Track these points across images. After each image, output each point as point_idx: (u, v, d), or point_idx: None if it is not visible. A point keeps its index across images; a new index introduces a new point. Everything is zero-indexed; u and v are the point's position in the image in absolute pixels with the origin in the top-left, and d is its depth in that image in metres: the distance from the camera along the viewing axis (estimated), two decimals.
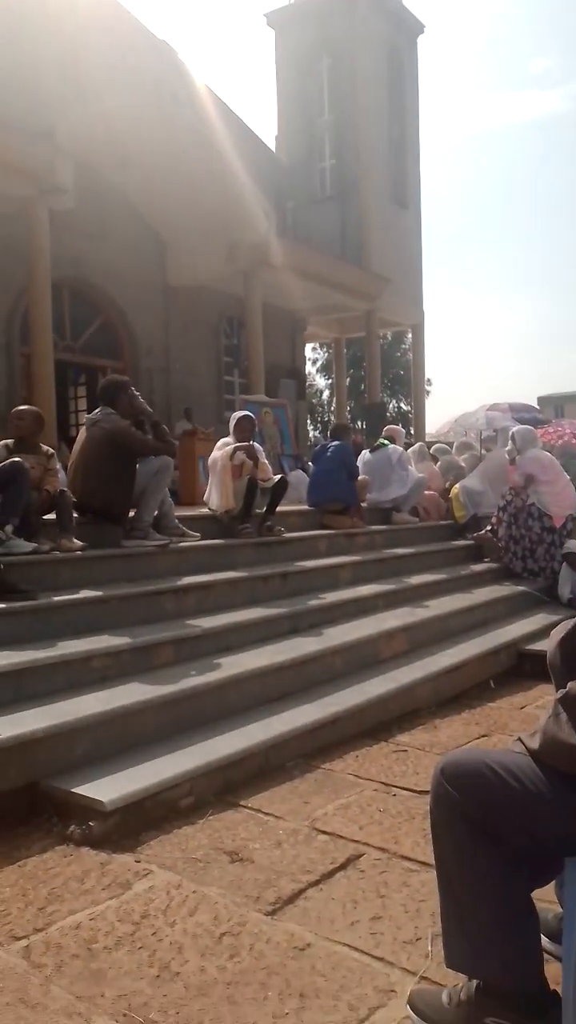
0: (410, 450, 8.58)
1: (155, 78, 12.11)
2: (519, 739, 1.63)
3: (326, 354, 31.86)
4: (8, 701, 3.16)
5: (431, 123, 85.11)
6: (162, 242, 14.97)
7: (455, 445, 9.73)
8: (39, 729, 2.89)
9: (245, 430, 6.03)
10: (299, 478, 8.26)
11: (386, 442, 7.84)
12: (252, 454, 5.85)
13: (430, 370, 34.22)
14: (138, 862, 2.54)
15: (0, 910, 2.24)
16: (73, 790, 2.79)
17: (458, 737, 3.87)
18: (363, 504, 7.15)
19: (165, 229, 14.74)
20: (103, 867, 2.50)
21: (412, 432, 20.04)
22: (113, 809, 2.70)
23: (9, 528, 4.17)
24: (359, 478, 7.12)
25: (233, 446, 5.85)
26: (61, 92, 10.97)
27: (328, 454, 7.01)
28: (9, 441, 4.73)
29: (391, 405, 31.46)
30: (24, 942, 2.09)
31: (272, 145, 19.41)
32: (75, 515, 4.64)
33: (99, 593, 4.12)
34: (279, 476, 6.17)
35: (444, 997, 1.71)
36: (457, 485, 8.03)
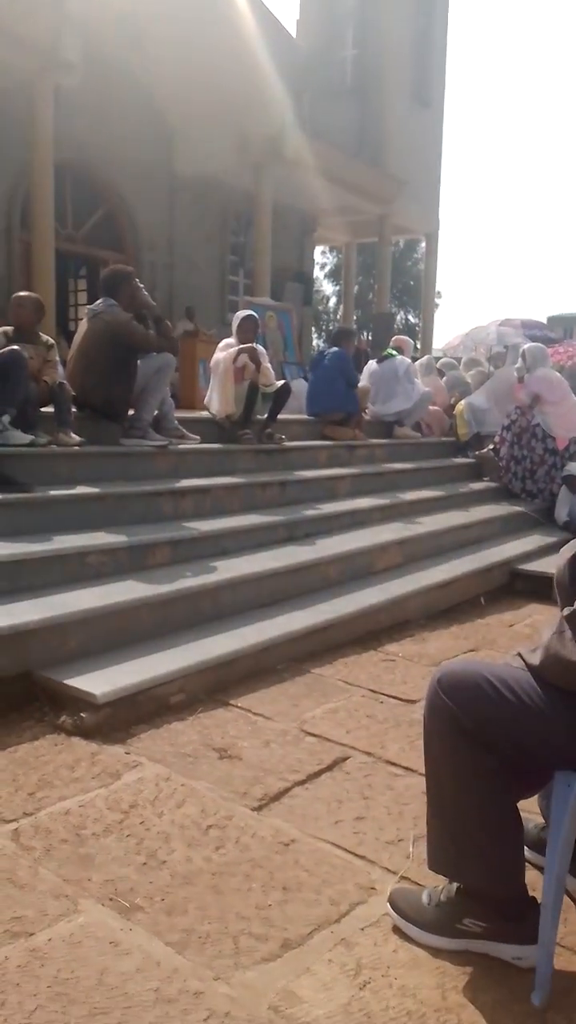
0: (417, 363, 8.41)
1: None
2: (518, 654, 1.61)
3: (335, 259, 30.94)
4: (3, 592, 3.16)
5: (460, 16, 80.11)
6: (171, 128, 14.22)
7: (463, 361, 9.54)
8: (33, 620, 2.89)
9: (248, 331, 5.86)
10: (301, 387, 8.10)
11: (394, 353, 7.66)
12: (255, 357, 5.70)
13: (440, 282, 33.28)
14: (128, 754, 2.58)
15: None
16: (66, 681, 2.81)
17: (446, 650, 3.92)
18: (365, 416, 7.04)
19: (175, 114, 13.97)
20: (93, 757, 2.54)
21: (419, 345, 19.66)
22: (105, 702, 2.73)
23: (6, 419, 4.08)
24: (359, 386, 6.96)
25: (236, 348, 5.69)
26: None
27: (325, 362, 6.84)
28: (8, 328, 4.58)
29: (399, 316, 30.77)
30: (13, 825, 2.14)
31: (292, 30, 18.26)
32: (74, 409, 4.55)
33: (96, 490, 4.08)
34: (281, 382, 6.03)
35: (424, 897, 1.76)
36: (462, 402, 7.91)
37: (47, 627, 2.95)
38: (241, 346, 5.71)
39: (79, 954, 1.65)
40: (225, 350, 5.75)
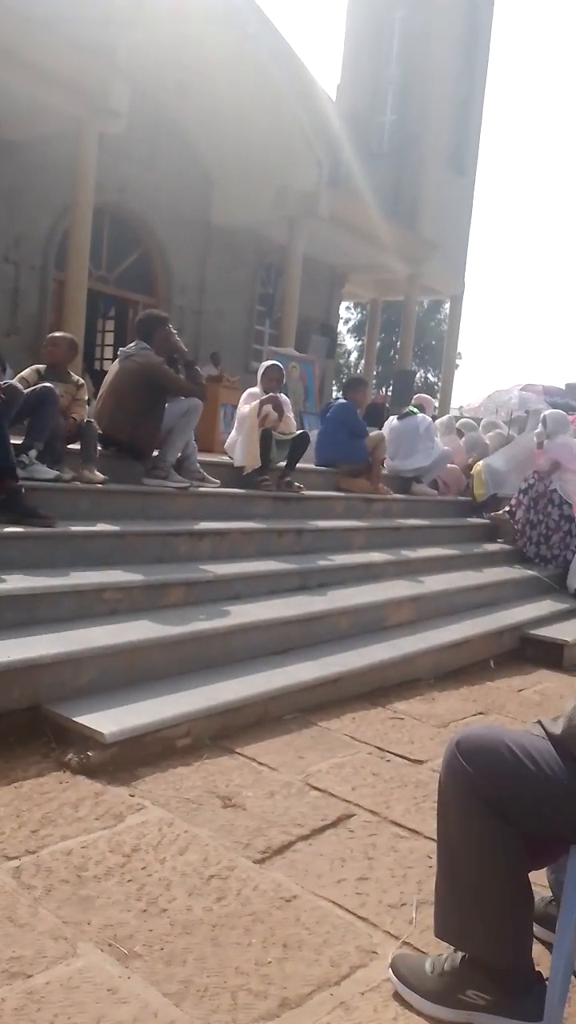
0: (437, 422, 8.49)
1: (228, 6, 11.69)
2: (539, 722, 1.61)
3: (359, 314, 31.44)
4: (19, 623, 3.18)
5: (496, 87, 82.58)
6: (210, 178, 14.64)
7: (482, 423, 9.62)
8: (47, 655, 2.91)
9: (272, 380, 5.96)
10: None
11: (415, 410, 7.75)
12: (278, 406, 5.78)
13: (461, 343, 33.71)
14: (132, 796, 2.57)
15: None
16: (75, 718, 2.81)
17: (455, 711, 3.89)
18: (384, 470, 7.08)
19: (215, 165, 14.40)
20: (98, 797, 2.53)
21: (438, 405, 19.84)
22: (112, 741, 2.72)
23: (33, 453, 4.15)
24: (371, 434, 6.99)
25: (260, 400, 5.78)
26: (127, 9, 10.60)
27: (329, 413, 6.93)
28: (41, 367, 4.69)
29: (419, 374, 31.10)
30: (15, 862, 2.12)
31: (333, 93, 18.86)
32: (99, 447, 4.62)
33: (116, 527, 4.12)
34: (300, 431, 6.11)
35: (427, 965, 1.73)
36: (480, 463, 7.96)
37: (59, 661, 2.96)
38: (264, 397, 5.81)
39: (76, 999, 1.63)
40: (249, 402, 5.84)
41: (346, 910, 2.07)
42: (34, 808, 2.42)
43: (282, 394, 6.08)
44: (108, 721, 2.82)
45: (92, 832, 2.32)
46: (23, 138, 11.25)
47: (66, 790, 2.56)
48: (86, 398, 4.79)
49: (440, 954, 1.75)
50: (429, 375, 32.45)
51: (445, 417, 9.18)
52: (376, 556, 5.61)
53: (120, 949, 1.81)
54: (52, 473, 4.18)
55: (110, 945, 1.82)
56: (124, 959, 1.78)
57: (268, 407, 5.76)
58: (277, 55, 12.83)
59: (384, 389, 25.57)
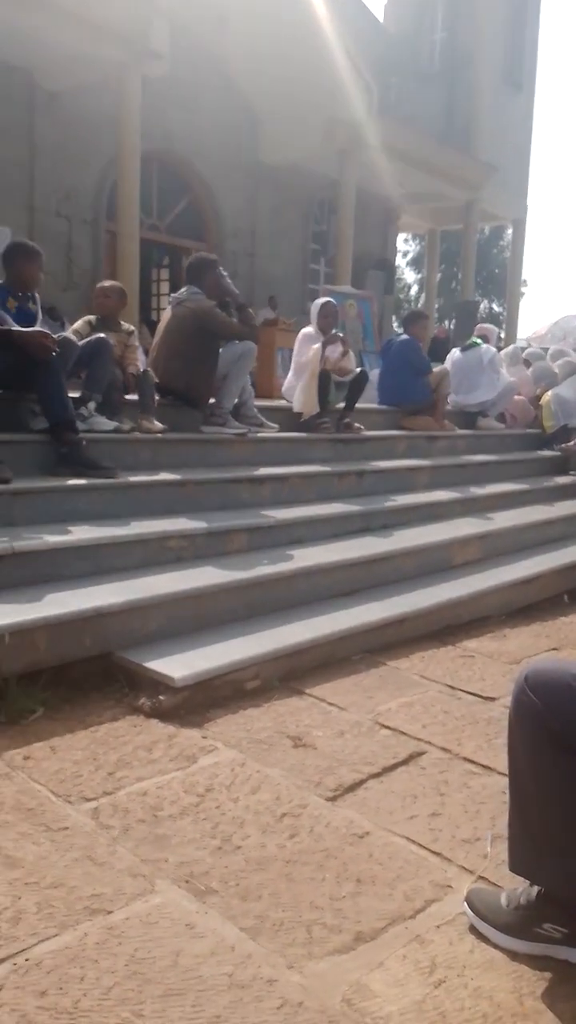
0: (502, 352, 8.21)
1: None
2: None
3: (418, 247, 30.50)
4: (86, 574, 3.23)
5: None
6: (255, 116, 14.24)
7: (550, 351, 9.27)
8: (115, 603, 2.95)
9: (328, 316, 5.83)
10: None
11: (478, 341, 7.49)
12: (341, 343, 5.68)
13: (526, 270, 32.42)
14: (204, 738, 2.61)
15: (72, 771, 2.34)
16: (145, 664, 2.86)
17: (527, 648, 3.82)
18: (447, 405, 6.90)
19: (260, 102, 13.97)
20: (170, 739, 2.58)
21: (503, 335, 19.21)
22: (183, 685, 2.76)
23: (92, 405, 4.17)
24: (436, 369, 6.80)
25: (321, 341, 5.66)
26: None
27: (392, 350, 6.72)
28: (92, 317, 4.68)
29: (483, 305, 30.13)
30: (94, 803, 2.18)
31: (380, 14, 18.00)
32: (156, 396, 4.61)
33: (177, 476, 4.13)
34: (359, 370, 5.98)
35: (503, 899, 1.71)
36: (549, 393, 7.68)
37: (128, 610, 3.00)
38: (325, 339, 5.68)
39: (155, 934, 1.67)
40: (306, 343, 5.71)
41: (419, 845, 2.07)
42: (110, 751, 2.48)
43: (337, 331, 5.94)
44: (178, 666, 2.86)
45: (166, 773, 2.36)
46: (64, 88, 11.10)
47: (140, 733, 2.61)
48: (138, 345, 4.77)
49: (515, 888, 1.73)
50: (494, 305, 31.41)
51: (510, 347, 8.86)
52: (441, 495, 5.51)
53: (196, 885, 1.85)
54: (112, 424, 4.20)
55: (186, 882, 1.86)
56: (200, 895, 1.82)
57: (331, 347, 5.66)
58: None
59: (447, 322, 24.89)
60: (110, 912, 1.74)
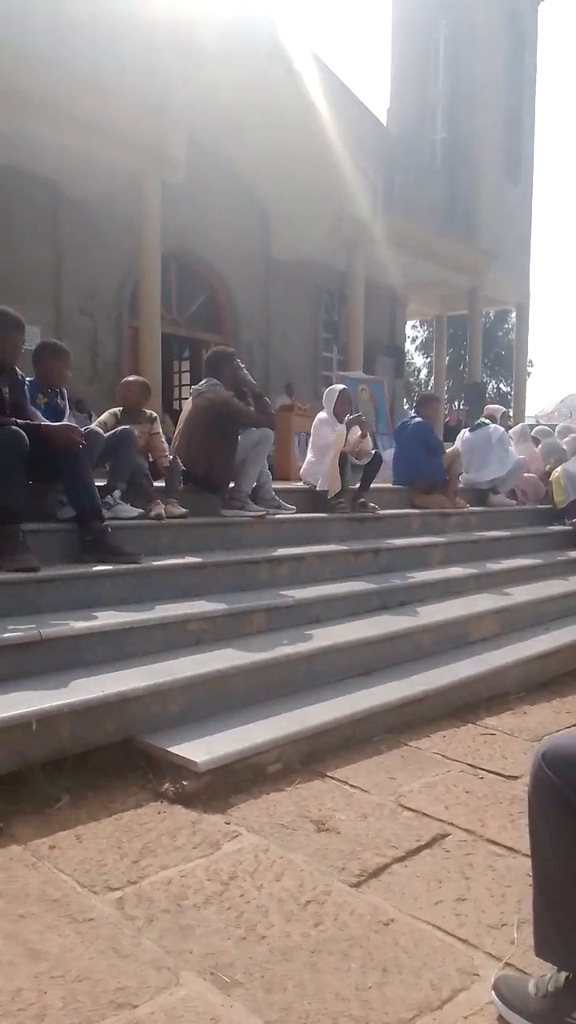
0: (511, 431, 8.37)
1: (269, 47, 12.00)
2: None
3: (426, 332, 31.29)
4: (109, 659, 3.28)
5: (547, 94, 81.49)
6: (266, 215, 14.94)
7: (557, 428, 9.42)
8: (138, 687, 2.99)
9: (344, 403, 6.01)
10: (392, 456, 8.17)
11: (487, 421, 7.66)
12: (363, 425, 5.86)
13: (532, 350, 33.08)
14: (227, 823, 2.61)
15: (97, 860, 2.34)
16: (168, 748, 2.87)
17: (548, 724, 3.79)
18: (460, 484, 7.01)
19: (270, 201, 14.70)
20: (194, 826, 2.57)
21: (512, 414, 19.49)
22: (206, 770, 2.77)
23: (116, 493, 4.31)
24: (447, 451, 6.95)
25: (346, 421, 5.84)
26: (174, 62, 10.99)
27: (406, 432, 6.90)
28: (117, 410, 4.86)
29: (491, 385, 30.68)
30: (118, 893, 2.18)
31: (383, 116, 19.02)
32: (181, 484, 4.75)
33: (198, 559, 4.22)
34: (373, 452, 6.12)
35: (531, 987, 1.69)
36: (558, 468, 7.78)
37: (150, 694, 3.03)
38: (349, 419, 5.87)
39: None
40: (324, 428, 5.87)
41: (445, 932, 2.05)
42: (134, 839, 2.48)
43: (349, 415, 6.12)
44: (200, 750, 2.87)
45: (190, 861, 2.36)
46: (88, 195, 11.74)
47: (163, 820, 2.61)
48: (161, 432, 4.94)
49: (544, 974, 1.71)
50: (501, 385, 31.97)
51: (519, 425, 9.03)
52: (456, 571, 5.54)
53: (221, 977, 1.84)
54: (135, 511, 4.33)
55: (211, 973, 1.85)
56: (225, 987, 1.80)
57: (357, 429, 5.85)
58: (324, 88, 13.06)
59: (457, 403, 25.30)
60: (135, 1006, 1.72)
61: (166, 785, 2.78)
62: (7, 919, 2.01)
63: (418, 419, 6.95)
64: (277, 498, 5.36)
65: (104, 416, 4.95)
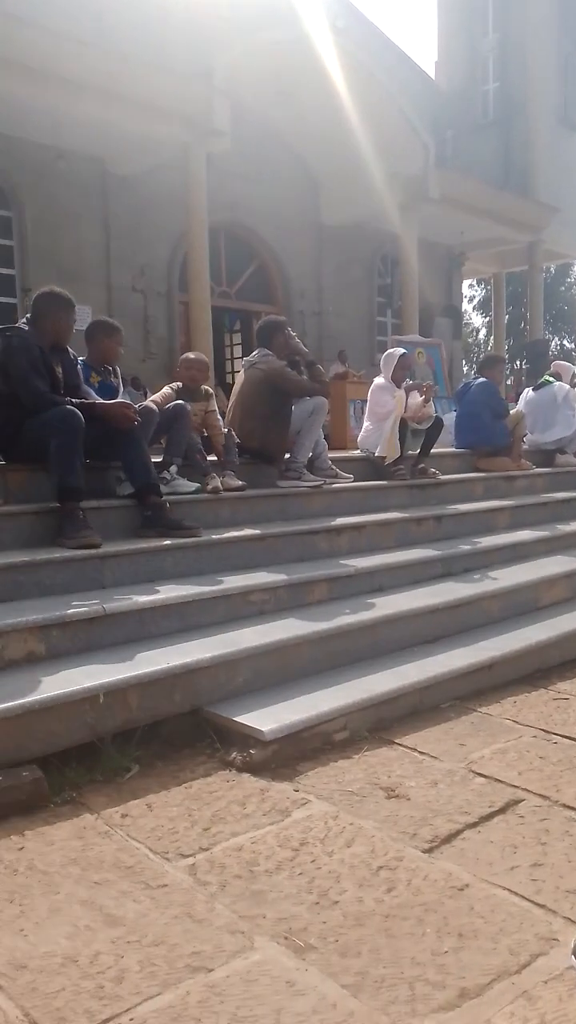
0: None
1: (315, 5, 11.71)
2: None
3: (484, 291, 30.55)
4: (174, 631, 3.31)
5: None
6: (316, 180, 14.71)
7: None
8: (203, 659, 3.00)
9: (404, 368, 5.89)
10: (452, 420, 8.00)
11: (551, 379, 7.43)
12: (426, 391, 5.74)
13: None
14: (296, 791, 2.61)
15: (169, 828, 2.37)
16: (234, 718, 2.89)
17: None
18: (523, 445, 6.83)
19: (319, 166, 14.45)
20: (263, 793, 2.58)
21: None
22: (272, 739, 2.77)
23: (173, 468, 4.32)
24: (513, 411, 6.75)
25: (405, 388, 5.73)
26: (218, 28, 10.84)
27: (469, 394, 6.71)
28: (176, 384, 4.86)
29: (553, 343, 29.81)
30: (191, 859, 2.20)
31: (431, 71, 18.47)
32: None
33: (257, 531, 4.21)
34: (434, 416, 6.00)
35: None
36: None
37: (215, 664, 3.05)
38: (409, 385, 5.76)
39: (256, 992, 1.67)
40: (381, 394, 5.76)
41: (522, 897, 2.01)
42: (204, 807, 2.50)
43: (408, 380, 6.00)
44: (266, 719, 2.87)
45: (260, 828, 2.37)
46: (135, 172, 11.74)
47: (232, 788, 2.63)
48: (215, 409, 4.91)
49: None
50: (565, 342, 31.06)
51: None
52: (523, 535, 5.42)
53: (295, 942, 1.84)
54: (193, 486, 4.33)
55: (285, 938, 1.85)
56: (299, 952, 1.80)
57: (415, 392, 5.74)
58: (370, 45, 12.74)
59: (520, 362, 24.70)
60: (211, 970, 1.74)
61: (234, 754, 2.79)
62: (84, 886, 2.05)
63: (481, 379, 6.76)
64: (334, 467, 5.31)
65: (163, 391, 4.94)
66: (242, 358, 5.42)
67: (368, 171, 13.14)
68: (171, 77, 10.03)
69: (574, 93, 18.41)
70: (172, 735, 2.96)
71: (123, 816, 2.44)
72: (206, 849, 2.25)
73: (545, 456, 7.24)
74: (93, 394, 4.19)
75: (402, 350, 6.14)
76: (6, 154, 10.71)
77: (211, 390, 5.03)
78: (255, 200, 13.53)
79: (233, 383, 5.49)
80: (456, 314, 18.39)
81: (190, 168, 10.62)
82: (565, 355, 28.59)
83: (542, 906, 1.97)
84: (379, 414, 5.74)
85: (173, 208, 11.36)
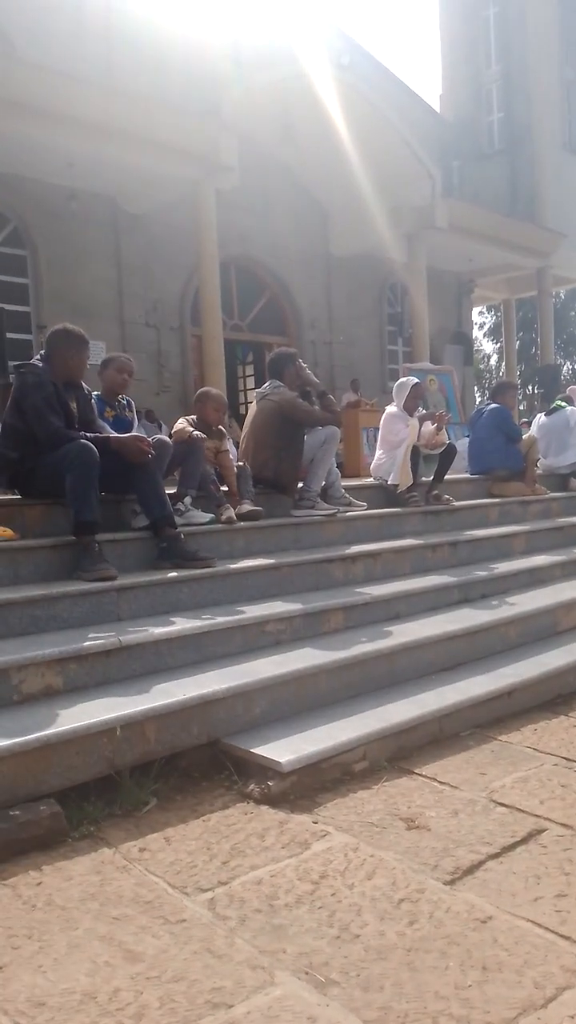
0: None
1: (320, 42, 11.97)
2: None
3: (494, 317, 30.70)
4: (191, 663, 3.31)
5: None
6: (324, 212, 14.93)
7: None
8: (219, 690, 3.00)
9: (416, 397, 5.92)
10: (465, 446, 8.00)
11: (563, 404, 7.44)
12: (437, 420, 5.76)
13: None
14: (315, 823, 2.58)
15: (187, 862, 2.35)
16: (252, 750, 2.87)
17: None
18: (537, 469, 6.83)
19: (327, 198, 14.67)
20: (282, 826, 2.56)
21: None
22: (290, 770, 2.75)
23: (188, 500, 4.35)
24: (524, 437, 6.76)
25: (418, 417, 5.77)
26: (224, 67, 11.09)
27: (483, 419, 6.73)
28: (192, 418, 4.89)
29: (565, 367, 29.84)
30: (209, 894, 2.18)
31: (437, 103, 18.76)
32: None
33: (271, 561, 4.22)
34: (446, 443, 6.02)
35: None
36: None
37: (232, 696, 3.04)
38: (422, 414, 5.79)
39: None
40: (394, 423, 5.78)
41: (546, 929, 1.97)
42: (222, 840, 2.49)
43: (420, 409, 6.03)
44: (284, 750, 2.86)
45: (280, 861, 2.35)
46: (146, 209, 11.97)
47: (251, 821, 2.61)
48: (228, 449, 4.94)
49: None
50: None
51: None
52: (540, 559, 5.39)
53: (316, 976, 1.81)
54: (207, 517, 4.36)
55: (306, 973, 1.83)
56: (321, 987, 1.78)
57: (427, 423, 5.77)
58: (373, 80, 12.99)
59: (532, 388, 24.73)
60: (231, 1006, 1.72)
61: (252, 786, 2.78)
62: (103, 921, 2.04)
63: (495, 405, 6.78)
64: (347, 495, 5.32)
65: (178, 425, 4.96)
66: (255, 389, 5.46)
67: (375, 202, 13.33)
68: (179, 116, 10.26)
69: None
70: (190, 767, 2.95)
71: (141, 850, 2.43)
72: (225, 883, 2.24)
73: (559, 480, 7.23)
74: (108, 428, 4.24)
75: (415, 379, 6.17)
76: (20, 195, 10.97)
77: (224, 430, 5.05)
78: (264, 233, 13.74)
79: (245, 413, 5.53)
80: (467, 341, 18.48)
81: (200, 204, 10.81)
82: None
83: (567, 937, 1.93)
84: (392, 442, 5.76)
85: (184, 243, 11.56)
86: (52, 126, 9.15)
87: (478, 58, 18.69)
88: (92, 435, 3.82)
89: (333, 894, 2.16)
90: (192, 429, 4.55)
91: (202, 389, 5.13)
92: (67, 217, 11.34)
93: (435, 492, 5.80)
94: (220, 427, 5.00)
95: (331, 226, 14.97)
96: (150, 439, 4.06)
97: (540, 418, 7.59)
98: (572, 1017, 1.65)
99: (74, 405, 3.97)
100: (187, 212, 11.07)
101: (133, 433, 4.19)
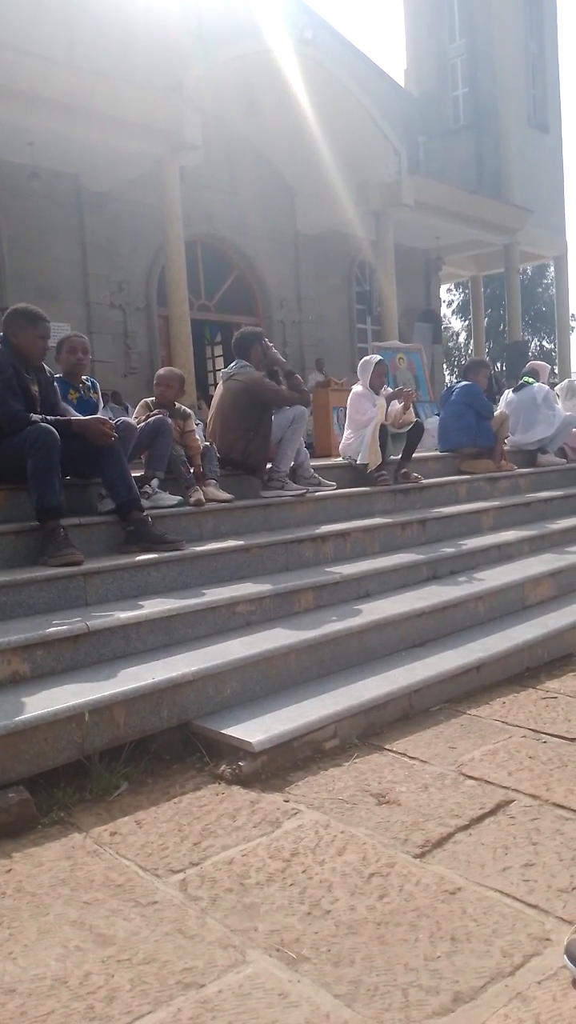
0: (557, 388, 8.15)
1: (282, 16, 11.80)
2: None
3: (462, 295, 30.74)
4: (160, 646, 3.29)
5: (571, 36, 78.58)
6: (291, 189, 14.79)
7: None
8: (189, 672, 2.99)
9: (380, 375, 5.90)
10: (435, 424, 8.02)
11: (530, 380, 7.47)
12: (405, 398, 5.75)
13: (573, 304, 32.24)
14: (287, 801, 2.59)
15: (158, 844, 2.35)
16: (223, 731, 2.87)
17: None
18: (505, 445, 6.86)
19: (294, 175, 14.54)
20: (253, 805, 2.57)
21: (557, 371, 19.04)
22: (261, 750, 2.76)
23: (155, 483, 4.31)
24: (496, 413, 6.79)
25: (385, 396, 5.75)
26: (187, 42, 10.90)
27: (453, 397, 6.75)
28: (150, 400, 4.85)
29: (533, 343, 30.01)
30: (181, 875, 2.18)
31: (401, 78, 18.62)
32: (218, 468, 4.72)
33: (241, 542, 4.20)
34: (414, 421, 6.01)
35: None
36: None
37: (202, 678, 3.03)
38: (389, 393, 5.77)
39: (249, 1006, 1.65)
40: (361, 402, 5.76)
41: (514, 898, 2.00)
42: (194, 822, 2.49)
43: (387, 387, 6.02)
44: (255, 730, 2.86)
45: (251, 840, 2.35)
46: (109, 188, 11.78)
47: (222, 801, 2.61)
48: (193, 429, 4.89)
49: None
50: (544, 342, 31.25)
51: (564, 382, 8.76)
52: (508, 535, 5.43)
53: (288, 953, 1.82)
54: (174, 499, 4.33)
55: (278, 950, 1.84)
56: (292, 963, 1.79)
57: (395, 402, 5.75)
58: (337, 54, 12.84)
59: (500, 364, 24.86)
60: (203, 985, 1.72)
61: (223, 767, 2.78)
62: (73, 906, 2.03)
63: (465, 383, 6.79)
64: (317, 475, 5.31)
65: (137, 409, 4.93)
66: (224, 368, 5.40)
67: (342, 179, 13.24)
68: (142, 92, 10.07)
69: (542, 95, 18.62)
70: (161, 750, 2.94)
71: (112, 834, 2.42)
72: (196, 864, 2.24)
73: (527, 456, 7.28)
74: (72, 411, 4.18)
75: (378, 357, 6.16)
76: None
77: (188, 410, 5.00)
78: (231, 211, 13.59)
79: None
80: (435, 318, 18.49)
81: (164, 182, 10.66)
82: (545, 355, 28.78)
83: (535, 906, 1.96)
84: (359, 422, 5.75)
85: (149, 222, 11.40)
86: (10, 103, 8.93)
87: (442, 32, 18.56)
88: (53, 418, 3.76)
89: (304, 871, 2.17)
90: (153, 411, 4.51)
91: (159, 372, 5.07)
92: (29, 195, 11.12)
93: (404, 470, 5.81)
94: (183, 407, 4.96)
95: (298, 204, 14.85)
96: (114, 421, 4.01)
97: (508, 394, 7.62)
98: (539, 983, 1.67)
99: (35, 388, 3.90)
100: (152, 190, 10.92)
101: (96, 415, 4.14)
